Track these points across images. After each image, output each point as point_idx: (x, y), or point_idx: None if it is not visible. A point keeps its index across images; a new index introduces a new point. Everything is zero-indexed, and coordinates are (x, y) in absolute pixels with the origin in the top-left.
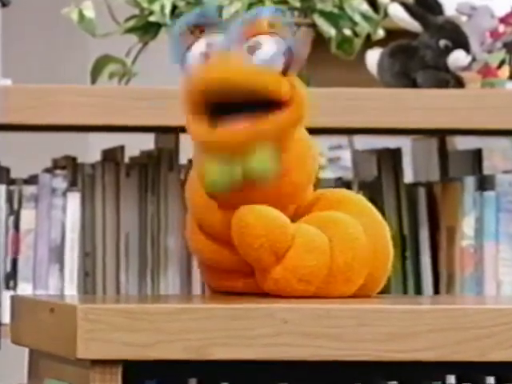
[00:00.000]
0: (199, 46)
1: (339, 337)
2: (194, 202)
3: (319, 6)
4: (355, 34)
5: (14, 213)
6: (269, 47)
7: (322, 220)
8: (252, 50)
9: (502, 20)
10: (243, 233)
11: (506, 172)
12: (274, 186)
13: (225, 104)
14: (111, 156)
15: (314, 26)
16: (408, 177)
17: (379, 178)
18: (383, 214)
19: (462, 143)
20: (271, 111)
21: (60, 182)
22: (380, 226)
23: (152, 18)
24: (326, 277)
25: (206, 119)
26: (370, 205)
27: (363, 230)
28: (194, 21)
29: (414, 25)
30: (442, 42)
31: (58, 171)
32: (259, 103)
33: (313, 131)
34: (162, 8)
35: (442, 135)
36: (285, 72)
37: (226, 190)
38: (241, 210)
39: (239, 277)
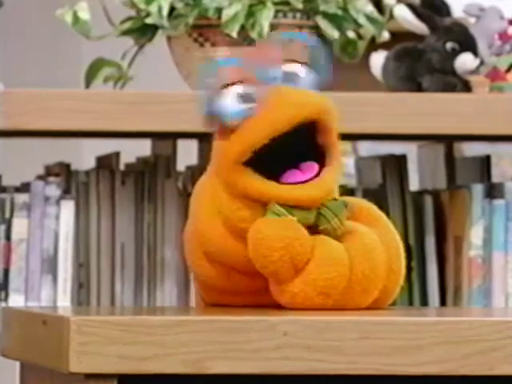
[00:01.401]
0: (233, 91)
1: (341, 350)
2: (201, 230)
3: (322, 7)
4: (359, 37)
5: (6, 222)
6: (306, 78)
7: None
8: (290, 78)
9: None
10: (260, 245)
11: None
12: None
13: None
14: (106, 163)
15: (316, 28)
16: (414, 184)
17: (384, 186)
18: None
19: (470, 149)
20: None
21: (53, 190)
22: (393, 237)
23: (149, 20)
24: (344, 289)
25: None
26: (382, 214)
27: (378, 240)
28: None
29: (420, 27)
30: (449, 45)
31: (51, 179)
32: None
33: None
34: (160, 9)
35: (448, 141)
36: None
37: None
38: (257, 222)
39: (246, 298)
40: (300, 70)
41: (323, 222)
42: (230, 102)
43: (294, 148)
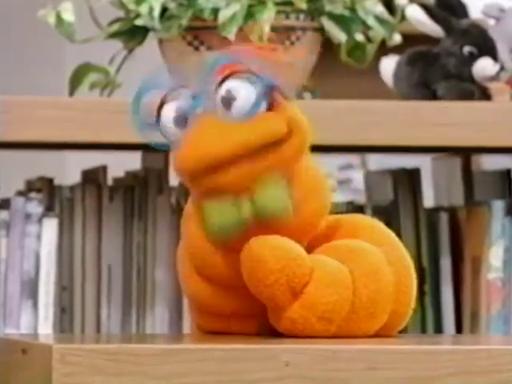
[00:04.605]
0: (169, 110)
1: (348, 381)
2: (191, 241)
3: (328, 7)
4: (368, 40)
5: None
6: (245, 93)
7: (341, 250)
8: (227, 102)
9: None
10: (255, 267)
11: None
12: (284, 223)
13: None
14: (92, 177)
15: (322, 30)
16: (428, 201)
17: (395, 202)
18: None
19: (489, 163)
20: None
21: (35, 207)
22: (403, 256)
23: (139, 22)
24: (347, 314)
25: None
26: (390, 232)
27: (385, 259)
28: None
29: (434, 29)
30: (467, 49)
31: (33, 194)
32: None
33: (320, 149)
34: (151, 10)
35: (466, 153)
36: (275, 107)
37: (234, 235)
38: (252, 242)
39: (241, 322)
40: (240, 86)
41: (263, 208)
42: (166, 124)
43: None
